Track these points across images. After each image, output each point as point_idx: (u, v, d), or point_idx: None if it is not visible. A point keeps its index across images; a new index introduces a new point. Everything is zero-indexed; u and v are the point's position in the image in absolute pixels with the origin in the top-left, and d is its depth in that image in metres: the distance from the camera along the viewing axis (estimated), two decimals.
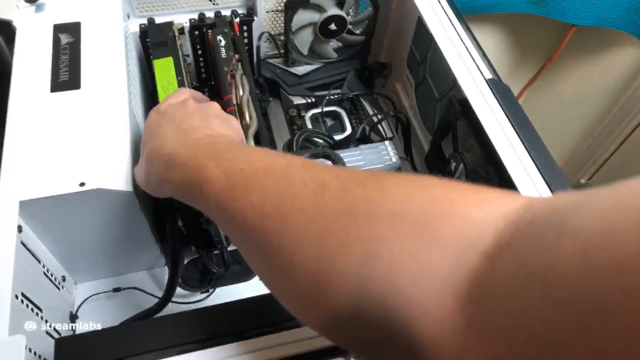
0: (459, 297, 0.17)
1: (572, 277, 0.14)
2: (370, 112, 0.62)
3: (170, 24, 0.53)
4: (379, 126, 0.59)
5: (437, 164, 0.52)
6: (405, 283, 0.18)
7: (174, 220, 0.42)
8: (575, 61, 0.92)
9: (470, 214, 0.19)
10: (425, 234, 0.18)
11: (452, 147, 0.48)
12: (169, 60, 0.51)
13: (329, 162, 0.41)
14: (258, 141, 0.47)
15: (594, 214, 0.15)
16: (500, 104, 0.43)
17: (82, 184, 0.38)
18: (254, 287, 0.50)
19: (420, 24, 0.53)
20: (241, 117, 0.47)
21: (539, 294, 0.15)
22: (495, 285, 0.16)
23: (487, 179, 0.44)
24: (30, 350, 0.35)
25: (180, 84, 0.48)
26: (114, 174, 0.39)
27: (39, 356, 0.36)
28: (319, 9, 0.57)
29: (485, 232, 0.18)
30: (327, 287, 0.20)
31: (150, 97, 0.62)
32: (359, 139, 0.57)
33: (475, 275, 0.17)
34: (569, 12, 0.84)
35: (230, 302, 0.37)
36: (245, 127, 0.46)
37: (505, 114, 0.43)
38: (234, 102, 0.47)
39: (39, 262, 0.41)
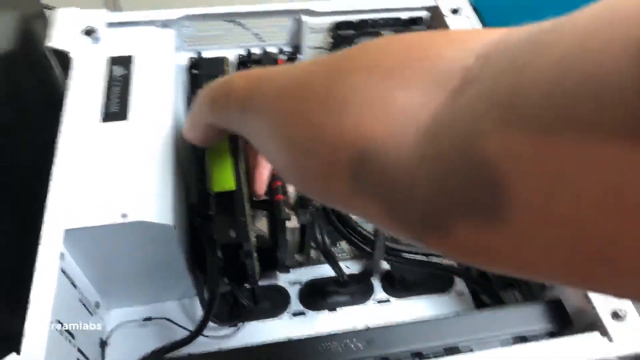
0: (420, 133, 0.17)
1: (540, 93, 0.13)
2: None
3: (223, 59, 0.55)
4: None
5: None
6: (373, 127, 0.19)
7: (214, 253, 0.42)
8: None
9: (441, 54, 0.18)
10: (395, 79, 0.19)
11: None
12: None
13: None
14: None
15: (575, 28, 0.13)
16: None
17: (124, 216, 0.39)
18: (282, 325, 0.49)
19: None
20: None
21: (498, 118, 0.14)
22: (454, 119, 0.16)
23: None
24: None
25: None
26: (155, 207, 0.40)
27: None
28: None
29: (456, 69, 0.17)
30: (319, 146, 0.21)
31: None
32: None
33: (436, 112, 0.17)
34: None
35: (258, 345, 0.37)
36: None
37: None
38: None
39: (75, 287, 0.42)
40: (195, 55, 0.57)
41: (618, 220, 0.11)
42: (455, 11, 0.55)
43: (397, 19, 0.56)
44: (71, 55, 0.48)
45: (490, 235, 0.15)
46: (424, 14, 0.56)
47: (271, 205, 0.48)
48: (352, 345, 0.36)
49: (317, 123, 0.21)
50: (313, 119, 0.21)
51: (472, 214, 0.15)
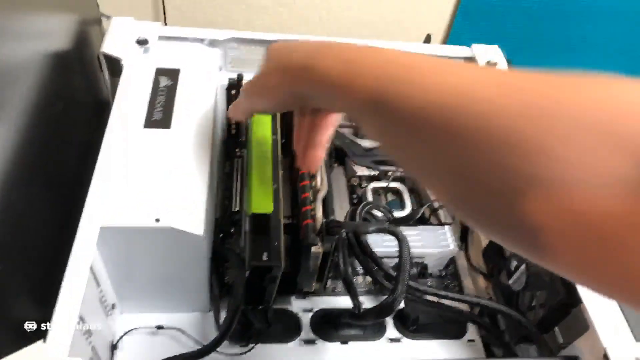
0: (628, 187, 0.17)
1: None
2: (430, 194, 0.62)
3: None
4: (439, 212, 0.60)
5: (495, 260, 0.51)
6: (580, 177, 0.18)
7: (242, 273, 0.43)
8: None
9: None
10: (603, 135, 0.18)
11: None
12: (268, 118, 0.54)
13: (395, 239, 0.42)
14: (324, 205, 0.48)
15: None
16: None
17: (157, 220, 0.39)
18: (293, 351, 0.49)
19: None
20: (312, 179, 0.48)
21: None
22: None
23: (549, 284, 0.43)
24: None
25: (274, 142, 0.51)
26: (188, 215, 0.41)
27: None
28: None
29: None
30: (510, 188, 0.19)
31: (225, 143, 0.65)
32: (417, 220, 0.58)
33: None
34: None
35: None
36: (315, 191, 0.47)
37: None
38: None
39: (98, 286, 0.43)
40: (234, 77, 0.58)
41: None
42: (491, 64, 0.57)
43: None
44: (123, 62, 0.50)
45: None
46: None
47: (295, 228, 0.49)
48: None
49: (509, 164, 0.19)
50: (503, 159, 0.19)
51: None
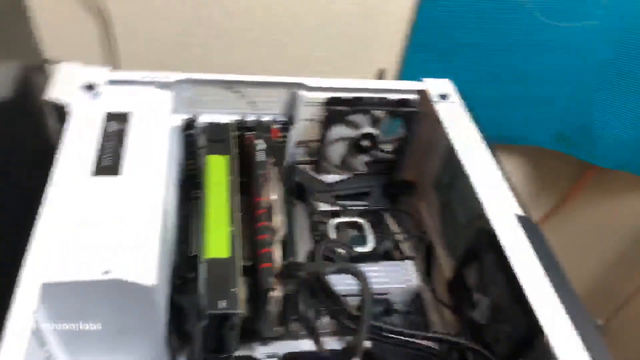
0: None
1: None
2: (393, 228, 0.62)
3: (230, 125, 0.56)
4: (402, 246, 0.59)
5: (460, 293, 0.51)
6: None
7: (199, 323, 0.41)
8: (594, 199, 0.94)
9: None
10: None
11: (476, 278, 0.48)
12: (223, 159, 0.53)
13: (355, 279, 0.41)
14: (284, 247, 0.47)
15: None
16: (530, 243, 0.44)
17: (106, 272, 0.37)
18: None
19: (450, 150, 0.55)
20: (270, 220, 0.47)
21: None
22: None
23: (512, 317, 0.42)
24: None
25: (232, 183, 0.50)
26: (139, 266, 0.39)
27: None
28: (355, 125, 0.59)
29: None
30: None
31: (182, 185, 0.63)
32: (381, 256, 0.57)
33: None
34: (594, 153, 0.86)
35: None
36: (273, 232, 0.46)
37: (535, 253, 0.43)
38: (264, 205, 0.48)
39: (43, 346, 0.40)
40: (190, 117, 0.58)
41: None
42: (443, 97, 0.58)
43: (388, 100, 0.58)
44: (69, 108, 0.49)
45: None
46: (413, 96, 0.59)
47: (255, 270, 0.48)
48: None
49: None
50: None
51: None
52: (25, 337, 0.34)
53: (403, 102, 0.59)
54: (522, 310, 0.40)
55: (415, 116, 0.60)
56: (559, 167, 0.92)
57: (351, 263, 0.46)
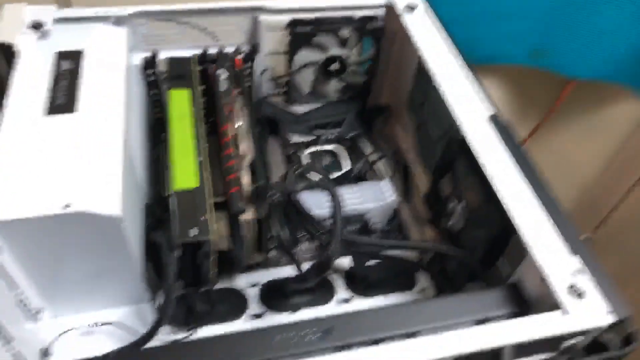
0: None
1: None
2: (368, 152, 0.61)
3: (190, 59, 0.54)
4: (378, 167, 0.58)
5: (437, 206, 0.51)
6: None
7: (171, 253, 0.40)
8: (576, 114, 0.93)
9: None
10: None
11: (450, 187, 0.47)
12: (186, 92, 0.51)
13: (327, 195, 0.40)
14: (254, 172, 0.46)
15: None
16: (501, 142, 0.43)
17: (66, 206, 0.36)
18: (240, 327, 0.47)
19: (421, 65, 0.54)
20: (236, 147, 0.46)
21: None
22: None
23: (486, 217, 0.42)
24: None
25: (196, 114, 0.48)
26: (102, 197, 0.38)
27: None
28: (322, 48, 0.57)
29: None
30: None
31: (152, 130, 0.61)
32: (356, 178, 0.56)
33: None
34: (567, 66, 0.85)
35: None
36: (241, 158, 0.45)
37: (506, 150, 0.42)
38: (229, 133, 0.47)
39: (17, 288, 0.39)
40: (149, 55, 0.55)
41: None
42: (411, 8, 0.55)
43: (353, 17, 0.56)
44: (17, 48, 0.46)
45: None
46: (379, 11, 0.57)
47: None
48: (310, 335, 0.34)
49: None
50: None
51: None
52: None
53: (369, 19, 0.57)
54: (495, 208, 0.39)
55: (384, 32, 0.58)
56: (539, 84, 0.90)
57: (327, 182, 0.45)
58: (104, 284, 0.45)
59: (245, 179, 0.43)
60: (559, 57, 0.85)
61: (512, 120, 0.93)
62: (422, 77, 0.54)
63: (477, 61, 0.84)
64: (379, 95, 0.65)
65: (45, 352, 0.44)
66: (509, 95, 0.93)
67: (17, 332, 0.39)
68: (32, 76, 0.45)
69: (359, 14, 0.56)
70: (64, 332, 0.45)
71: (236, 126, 0.47)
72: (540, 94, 0.92)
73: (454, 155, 0.46)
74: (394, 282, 0.51)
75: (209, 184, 0.44)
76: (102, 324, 0.46)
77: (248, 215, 0.43)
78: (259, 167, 0.45)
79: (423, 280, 0.51)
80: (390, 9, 0.56)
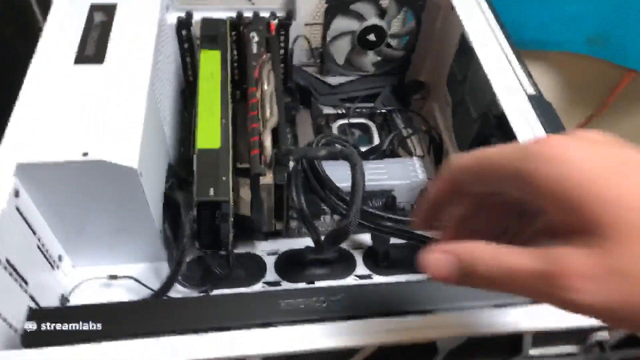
0: None
1: None
2: (401, 128, 0.58)
3: (224, 21, 0.53)
4: (410, 143, 0.56)
5: None
6: None
7: (189, 211, 0.40)
8: (635, 107, 0.87)
9: None
10: None
11: None
12: (217, 53, 0.50)
13: (348, 164, 0.38)
14: (276, 137, 0.44)
15: None
16: (540, 121, 0.40)
17: (84, 154, 0.36)
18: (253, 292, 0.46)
19: (464, 40, 0.51)
20: (261, 110, 0.45)
21: None
22: None
23: None
24: (2, 317, 0.33)
25: (224, 77, 0.48)
26: (120, 148, 0.38)
27: (15, 329, 0.34)
28: (359, 17, 0.55)
29: None
30: None
31: (183, 92, 0.61)
32: (386, 154, 0.54)
33: None
34: (630, 56, 0.79)
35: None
36: (264, 121, 0.44)
37: (545, 130, 0.39)
38: (257, 95, 0.46)
39: (35, 233, 0.40)
40: (183, 15, 0.55)
41: None
42: None
43: None
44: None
45: None
46: None
47: None
48: (317, 303, 0.33)
49: None
50: None
51: None
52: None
53: None
54: None
55: (426, 4, 0.55)
56: (593, 74, 0.85)
57: (350, 150, 0.43)
58: (123, 239, 0.45)
59: (267, 142, 0.42)
60: (618, 46, 0.79)
61: (565, 110, 0.88)
62: (464, 54, 0.51)
63: (526, 46, 0.80)
64: (417, 71, 0.62)
65: (64, 299, 0.44)
66: (559, 84, 0.88)
67: (35, 276, 0.39)
68: (65, 26, 0.45)
69: None
70: (85, 280, 0.45)
71: (264, 89, 0.46)
72: (594, 85, 0.87)
73: (490, 132, 0.44)
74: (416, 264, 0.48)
75: (231, 146, 0.43)
76: (121, 277, 0.46)
77: (267, 179, 0.41)
78: (282, 132, 0.43)
79: None
80: None
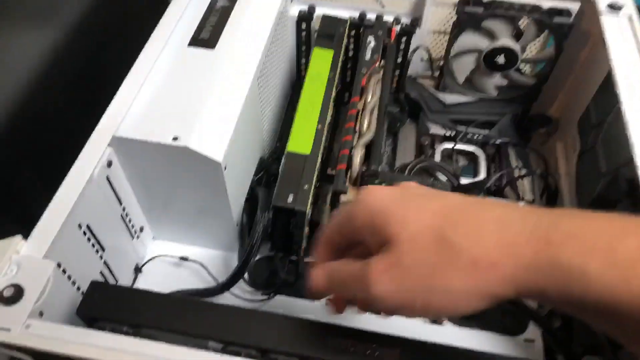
0: None
1: None
2: (514, 165, 0.52)
3: (344, 21, 0.51)
4: (520, 183, 0.50)
5: None
6: None
7: (265, 212, 0.39)
8: None
9: None
10: None
11: None
12: (330, 53, 0.49)
13: None
14: (368, 154, 0.41)
15: None
16: None
17: (175, 139, 0.36)
18: (315, 308, 0.44)
19: (609, 80, 0.43)
20: (358, 123, 0.42)
21: None
22: None
23: None
24: (72, 280, 0.34)
25: (330, 80, 0.46)
26: (210, 139, 0.37)
27: (82, 292, 0.36)
28: (490, 35, 0.50)
29: None
30: None
31: (293, 86, 0.60)
32: (490, 192, 0.49)
33: None
34: None
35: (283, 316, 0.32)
36: (359, 135, 0.41)
37: None
38: (358, 106, 0.43)
39: (120, 203, 0.41)
40: (305, 8, 0.53)
41: None
42: (613, 7, 0.45)
43: (538, 6, 0.47)
44: None
45: None
46: (574, 5, 0.47)
47: None
48: (367, 350, 0.30)
49: None
50: None
51: None
52: (84, 177, 0.35)
53: (558, 11, 0.47)
54: None
55: (572, 31, 0.48)
56: None
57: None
58: (201, 222, 0.46)
59: (357, 158, 0.39)
60: None
61: None
62: (606, 96, 0.44)
63: None
64: (546, 103, 0.55)
65: (138, 269, 0.46)
66: None
67: (113, 244, 0.41)
68: (189, 6, 0.46)
69: (547, 3, 0.47)
70: (158, 255, 0.47)
71: (366, 101, 0.43)
72: None
73: (617, 197, 0.37)
74: (498, 320, 0.43)
75: (326, 150, 0.41)
76: (191, 260, 0.47)
77: (349, 196, 0.39)
78: (376, 150, 0.40)
79: (532, 330, 0.43)
80: (588, 4, 0.46)
